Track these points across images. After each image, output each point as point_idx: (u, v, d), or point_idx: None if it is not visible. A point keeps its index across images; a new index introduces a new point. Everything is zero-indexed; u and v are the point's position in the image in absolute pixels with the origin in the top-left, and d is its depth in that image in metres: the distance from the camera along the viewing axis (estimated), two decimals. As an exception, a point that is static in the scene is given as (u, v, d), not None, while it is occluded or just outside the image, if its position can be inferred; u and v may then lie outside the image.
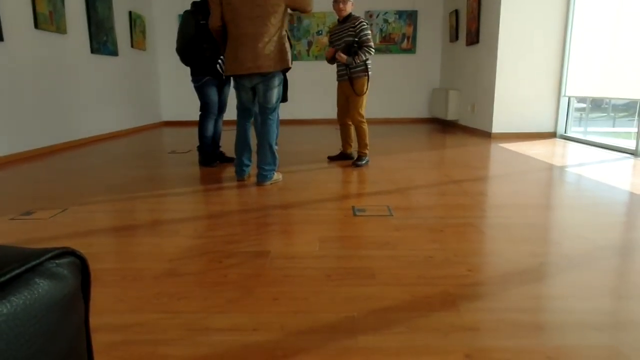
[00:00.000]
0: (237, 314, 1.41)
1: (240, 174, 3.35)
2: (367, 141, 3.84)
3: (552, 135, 5.71)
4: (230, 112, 3.96)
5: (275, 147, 4.62)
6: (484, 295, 1.51)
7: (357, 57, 3.62)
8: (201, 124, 3.93)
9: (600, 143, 4.86)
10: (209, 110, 3.91)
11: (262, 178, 3.19)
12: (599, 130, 6.39)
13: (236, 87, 3.28)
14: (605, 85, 4.82)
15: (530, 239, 2.04)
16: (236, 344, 1.24)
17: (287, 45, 3.10)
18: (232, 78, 3.29)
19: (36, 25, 4.61)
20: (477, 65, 6.22)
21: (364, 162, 3.83)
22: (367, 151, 3.86)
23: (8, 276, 0.38)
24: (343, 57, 3.65)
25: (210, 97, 3.87)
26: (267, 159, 3.17)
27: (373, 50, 3.66)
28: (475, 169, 3.68)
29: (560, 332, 1.28)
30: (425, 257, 1.84)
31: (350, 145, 4.10)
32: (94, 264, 1.83)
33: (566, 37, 5.44)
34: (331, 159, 4.15)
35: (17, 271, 0.39)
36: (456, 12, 6.91)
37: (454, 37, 7.08)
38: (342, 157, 4.12)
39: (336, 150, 4.78)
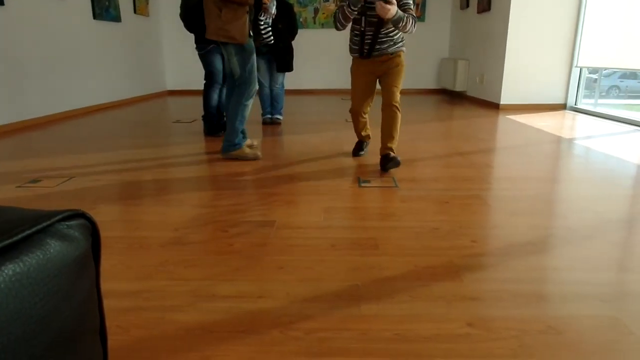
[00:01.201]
0: (243, 281, 1.43)
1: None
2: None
3: (562, 107, 5.62)
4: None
5: (280, 117, 4.60)
6: (488, 266, 1.52)
7: (403, 23, 2.51)
8: (206, 93, 3.90)
9: (611, 115, 4.78)
10: (214, 79, 3.87)
11: (223, 149, 3.11)
12: (610, 102, 6.27)
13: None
14: (618, 55, 4.69)
15: (535, 212, 2.04)
16: (242, 311, 1.26)
17: (216, 17, 2.78)
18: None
19: (37, -10, 4.51)
20: (487, 34, 6.07)
21: (397, 159, 2.66)
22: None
23: (20, 236, 0.38)
24: (388, 8, 2.39)
25: (214, 66, 3.82)
26: (228, 130, 3.07)
27: (416, 23, 2.59)
28: (482, 141, 3.65)
29: (562, 302, 1.29)
30: (430, 228, 1.85)
31: (369, 134, 3.13)
32: (101, 232, 1.85)
33: (580, 5, 5.27)
34: (357, 153, 3.16)
35: (29, 231, 0.40)
36: (467, -22, 6.69)
37: (465, 4, 6.88)
38: (362, 146, 3.18)
39: (341, 121, 4.73)
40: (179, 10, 3.80)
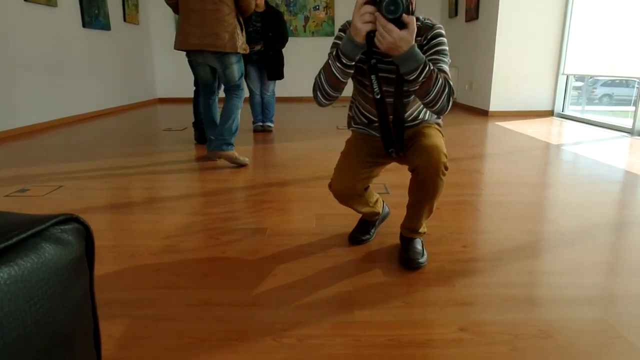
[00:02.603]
0: (236, 289, 1.42)
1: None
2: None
3: (550, 113, 5.70)
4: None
5: (271, 125, 4.61)
6: (479, 271, 1.53)
7: (425, 77, 1.25)
8: (196, 99, 3.89)
9: (598, 122, 4.86)
10: (204, 86, 3.87)
11: (213, 147, 3.06)
12: (596, 109, 6.39)
13: (192, 64, 3.33)
14: (603, 63, 4.79)
15: (525, 217, 2.06)
16: (235, 319, 1.25)
17: (239, 32, 2.96)
18: (188, 54, 3.24)
19: (26, -2, 4.49)
20: (475, 42, 6.15)
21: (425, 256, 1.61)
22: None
23: (15, 239, 0.39)
24: (391, 30, 1.16)
25: (205, 73, 3.82)
26: (221, 128, 3.07)
27: (454, 93, 1.41)
28: (472, 147, 3.68)
29: (553, 306, 1.30)
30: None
31: (376, 210, 1.77)
32: (92, 240, 1.83)
33: (566, 14, 5.38)
34: (356, 239, 1.79)
35: (24, 235, 0.40)
36: (455, -13, 6.80)
37: (453, 12, 6.98)
38: (369, 228, 1.83)
39: (332, 128, 4.74)
40: (168, 18, 3.80)
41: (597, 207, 2.19)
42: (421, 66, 1.23)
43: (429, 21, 1.40)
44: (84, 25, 5.63)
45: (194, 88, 3.88)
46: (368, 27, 1.18)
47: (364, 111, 1.58)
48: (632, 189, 2.52)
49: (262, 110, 4.58)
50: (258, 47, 4.31)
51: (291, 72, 6.92)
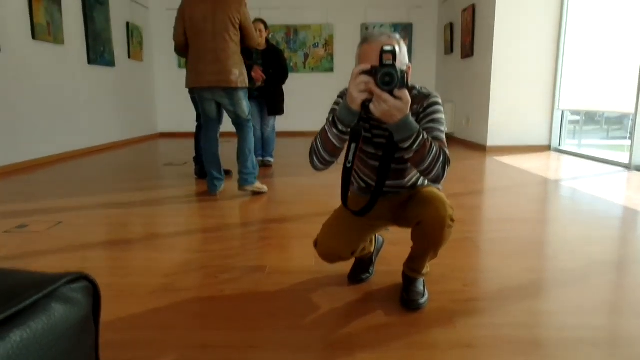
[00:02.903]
0: (233, 330, 1.40)
1: (212, 190, 3.29)
2: None
3: (547, 148, 5.77)
4: (227, 123, 3.93)
5: (271, 160, 4.64)
6: (480, 311, 1.51)
7: (419, 145, 1.26)
8: (197, 134, 3.94)
9: (594, 156, 4.92)
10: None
11: (242, 182, 3.24)
12: (592, 143, 6.47)
13: (194, 100, 3.53)
14: (598, 98, 4.89)
15: (526, 254, 2.05)
16: (233, 361, 1.23)
17: (244, 68, 3.14)
18: (192, 90, 3.39)
19: (34, 36, 4.62)
20: (471, 78, 6.29)
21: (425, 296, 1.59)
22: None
23: (27, 302, 0.39)
24: (386, 100, 1.17)
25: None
26: (246, 163, 3.22)
27: (450, 162, 1.37)
28: (470, 183, 3.71)
29: (556, 348, 1.28)
30: (422, 271, 1.84)
31: (367, 252, 1.72)
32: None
33: (559, 50, 5.53)
34: (356, 278, 1.76)
35: (35, 297, 0.40)
36: (451, 25, 7.01)
37: (449, 49, 7.17)
38: (367, 266, 1.80)
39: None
40: (171, 55, 3.91)
41: (597, 243, 2.19)
42: (414, 135, 1.25)
43: (425, 90, 1.46)
44: (89, 62, 5.77)
45: (197, 123, 3.94)
46: (364, 96, 1.21)
47: (362, 176, 1.59)
48: (632, 225, 2.53)
49: (262, 145, 4.63)
50: (259, 84, 4.40)
51: (291, 107, 7.04)
